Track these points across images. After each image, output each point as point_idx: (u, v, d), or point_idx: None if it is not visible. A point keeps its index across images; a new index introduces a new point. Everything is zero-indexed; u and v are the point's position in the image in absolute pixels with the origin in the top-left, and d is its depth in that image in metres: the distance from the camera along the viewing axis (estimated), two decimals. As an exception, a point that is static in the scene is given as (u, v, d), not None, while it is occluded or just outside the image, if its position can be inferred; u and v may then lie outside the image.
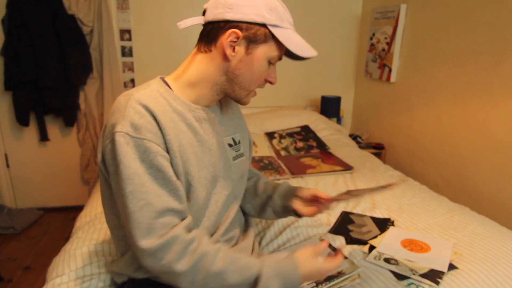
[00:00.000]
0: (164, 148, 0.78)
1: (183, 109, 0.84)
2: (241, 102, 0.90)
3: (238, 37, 0.80)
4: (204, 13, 0.85)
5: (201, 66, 0.85)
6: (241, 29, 0.80)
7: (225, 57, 0.82)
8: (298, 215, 1.05)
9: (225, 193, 0.94)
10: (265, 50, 0.83)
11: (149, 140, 0.76)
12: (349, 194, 0.97)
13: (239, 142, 1.00)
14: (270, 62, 0.86)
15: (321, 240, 0.91)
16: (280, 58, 0.87)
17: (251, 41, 0.81)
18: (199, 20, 0.84)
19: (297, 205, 1.02)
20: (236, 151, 0.98)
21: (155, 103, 0.79)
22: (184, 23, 0.84)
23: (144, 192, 0.74)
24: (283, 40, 0.81)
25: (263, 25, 0.81)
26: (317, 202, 1.00)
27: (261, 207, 1.10)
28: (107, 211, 0.91)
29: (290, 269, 0.81)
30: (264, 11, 0.80)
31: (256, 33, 0.81)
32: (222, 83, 0.86)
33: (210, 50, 0.83)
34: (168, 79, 0.88)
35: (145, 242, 0.73)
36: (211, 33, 0.82)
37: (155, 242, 0.73)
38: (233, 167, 0.96)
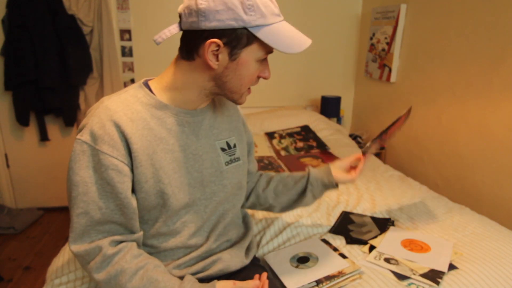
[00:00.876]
0: (124, 160, 0.77)
1: (163, 114, 0.82)
2: (236, 102, 0.86)
3: (219, 46, 0.75)
4: (180, 17, 0.79)
5: (185, 72, 0.81)
6: (220, 37, 0.74)
7: (209, 66, 0.78)
8: (336, 184, 1.10)
9: (216, 199, 0.92)
10: (250, 53, 0.78)
11: (104, 152, 0.75)
12: (380, 140, 0.99)
13: (234, 146, 0.96)
14: (260, 60, 0.81)
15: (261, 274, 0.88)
16: (269, 53, 0.82)
17: (234, 47, 0.76)
18: (175, 30, 0.79)
19: (339, 177, 1.08)
20: (230, 156, 0.94)
21: (125, 111, 0.78)
22: (160, 36, 0.79)
23: (85, 201, 0.76)
24: (267, 41, 0.75)
25: (244, 28, 0.74)
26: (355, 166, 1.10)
27: (298, 197, 1.11)
28: None
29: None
30: (241, 12, 0.72)
31: (237, 38, 0.75)
32: (210, 88, 0.83)
33: (193, 59, 0.79)
34: (152, 82, 0.86)
35: (74, 247, 0.77)
36: (189, 42, 0.78)
37: (80, 248, 0.77)
38: (225, 172, 0.92)
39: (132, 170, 0.79)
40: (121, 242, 0.80)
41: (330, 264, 1.05)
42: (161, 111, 0.82)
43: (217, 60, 0.77)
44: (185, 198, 0.85)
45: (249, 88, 0.85)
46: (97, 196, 0.76)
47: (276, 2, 0.80)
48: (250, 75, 0.81)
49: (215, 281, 0.82)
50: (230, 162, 0.94)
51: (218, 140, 0.92)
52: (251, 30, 0.74)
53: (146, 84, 0.85)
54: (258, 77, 0.84)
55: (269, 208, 1.15)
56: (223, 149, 0.93)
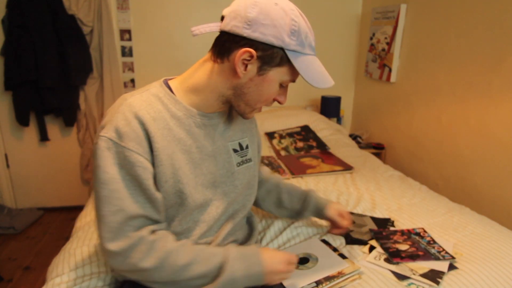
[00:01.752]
0: (148, 158, 0.78)
1: (183, 115, 0.83)
2: (244, 116, 0.87)
3: (252, 57, 0.76)
4: (222, 18, 0.80)
5: (209, 75, 0.82)
6: (256, 49, 0.75)
7: (236, 73, 0.78)
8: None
9: (227, 199, 0.93)
10: (278, 73, 0.79)
11: (130, 149, 0.75)
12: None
13: (246, 147, 0.98)
14: (282, 85, 0.83)
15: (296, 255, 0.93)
16: (293, 81, 0.84)
17: (265, 63, 0.77)
18: (215, 28, 0.80)
19: (330, 224, 1.21)
20: (241, 157, 0.96)
21: (148, 109, 0.79)
22: (199, 29, 0.80)
23: (118, 198, 0.76)
24: (299, 68, 0.77)
25: (281, 49, 0.76)
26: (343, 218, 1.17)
27: (289, 217, 1.26)
28: None
29: (254, 253, 0.85)
30: (285, 34, 0.75)
31: (271, 56, 0.76)
32: (228, 96, 0.83)
33: (222, 62, 0.80)
34: (173, 82, 0.87)
35: (113, 245, 0.76)
36: (225, 44, 0.78)
37: (122, 244, 0.76)
38: (236, 173, 0.94)
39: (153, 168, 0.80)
40: (157, 229, 0.83)
41: (330, 265, 1.05)
42: (180, 112, 0.83)
43: (245, 69, 0.78)
44: (200, 198, 0.87)
45: (260, 107, 0.87)
46: (128, 192, 0.76)
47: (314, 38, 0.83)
48: (270, 94, 0.83)
49: (256, 246, 0.89)
50: (241, 163, 0.95)
51: (231, 142, 0.94)
52: (287, 53, 0.77)
53: (166, 84, 0.86)
54: (274, 100, 0.86)
55: (256, 204, 1.24)
56: (235, 150, 0.94)
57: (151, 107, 0.80)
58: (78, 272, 1.04)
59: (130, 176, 0.76)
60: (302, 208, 1.19)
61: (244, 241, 1.03)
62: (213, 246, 0.86)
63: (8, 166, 2.62)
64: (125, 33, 2.55)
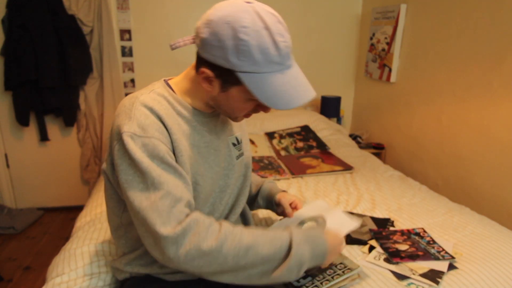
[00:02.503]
0: (170, 148, 0.79)
1: (187, 113, 0.85)
2: (232, 119, 0.88)
3: (209, 76, 0.76)
4: None
5: (193, 83, 0.85)
6: (212, 69, 0.75)
7: None
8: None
9: (229, 191, 0.95)
10: (240, 91, 0.76)
11: (157, 138, 0.76)
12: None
13: (241, 141, 1.01)
14: (252, 99, 0.78)
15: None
16: None
17: (225, 81, 0.76)
18: (189, 42, 0.81)
19: (282, 199, 1.12)
20: (238, 150, 0.99)
21: (159, 106, 0.80)
22: (175, 44, 0.81)
23: (162, 182, 0.73)
24: (253, 89, 0.73)
25: (233, 70, 0.73)
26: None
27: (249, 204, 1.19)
28: (109, 212, 0.93)
29: (318, 235, 0.84)
30: (232, 56, 0.71)
31: (227, 75, 0.74)
32: (212, 103, 0.85)
33: (198, 74, 0.80)
34: (171, 82, 0.88)
35: (167, 229, 0.71)
36: (196, 59, 0.80)
37: (176, 228, 0.71)
38: (236, 166, 0.97)
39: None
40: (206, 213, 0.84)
41: (339, 226, 1.04)
42: (184, 110, 0.84)
43: (210, 85, 0.79)
44: (209, 191, 0.88)
45: (248, 114, 0.86)
46: (168, 176, 0.75)
47: (288, 48, 0.74)
48: (241, 108, 0.82)
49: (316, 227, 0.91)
50: (238, 156, 0.99)
51: (230, 136, 0.97)
52: (238, 75, 0.73)
53: (167, 84, 0.87)
54: (256, 111, 0.85)
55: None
56: (234, 144, 0.97)
57: (160, 105, 0.81)
58: (78, 272, 1.04)
59: (164, 164, 0.75)
60: (257, 195, 1.17)
61: None
62: (273, 229, 0.84)
63: (8, 166, 2.62)
64: (125, 33, 2.55)
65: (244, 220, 1.10)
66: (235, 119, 0.88)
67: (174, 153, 0.79)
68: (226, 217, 0.97)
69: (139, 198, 0.74)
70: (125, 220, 0.90)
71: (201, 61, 0.77)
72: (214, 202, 0.92)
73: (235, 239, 0.75)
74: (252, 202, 1.18)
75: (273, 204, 1.13)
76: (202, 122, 0.87)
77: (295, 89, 0.75)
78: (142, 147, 0.75)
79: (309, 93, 0.77)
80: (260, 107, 0.83)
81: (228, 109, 0.83)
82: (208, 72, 0.75)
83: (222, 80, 0.76)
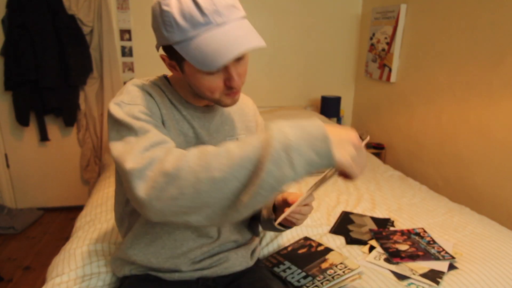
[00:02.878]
0: (160, 120, 0.79)
1: (180, 104, 0.85)
2: (220, 104, 0.82)
3: (167, 61, 0.79)
4: None
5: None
6: (166, 52, 0.77)
7: None
8: (285, 226, 0.97)
9: None
10: (190, 66, 0.73)
11: (144, 106, 0.76)
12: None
13: None
14: (209, 73, 0.73)
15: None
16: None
17: (176, 61, 0.76)
18: None
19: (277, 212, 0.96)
20: None
21: (151, 88, 0.82)
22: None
23: (145, 131, 0.70)
24: (187, 57, 0.70)
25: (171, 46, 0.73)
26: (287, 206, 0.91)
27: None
28: (115, 199, 0.96)
29: (310, 121, 0.61)
30: (163, 30, 0.71)
31: (173, 53, 0.74)
32: (196, 93, 0.83)
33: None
34: (170, 77, 0.90)
35: (133, 163, 0.65)
36: None
37: (143, 160, 0.65)
38: None
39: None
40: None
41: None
42: (176, 101, 0.85)
43: (176, 69, 0.79)
44: None
45: (232, 92, 0.78)
46: (150, 125, 0.72)
47: (214, 6, 0.69)
48: (206, 86, 0.75)
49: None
50: None
51: (229, 137, 0.93)
52: (175, 47, 0.71)
53: (165, 77, 0.89)
54: (227, 86, 0.76)
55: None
56: None
57: (154, 89, 0.83)
58: (78, 272, 1.04)
59: (150, 122, 0.73)
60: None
61: (245, 243, 1.01)
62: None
63: (8, 166, 2.62)
64: (125, 33, 2.55)
65: (252, 228, 1.06)
66: (220, 102, 0.79)
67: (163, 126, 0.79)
68: (222, 226, 0.93)
69: (119, 147, 0.70)
70: (128, 209, 0.91)
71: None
72: None
73: (201, 150, 0.64)
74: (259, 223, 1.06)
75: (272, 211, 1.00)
76: (195, 116, 0.86)
77: (228, 43, 0.68)
78: (127, 112, 0.74)
79: (245, 44, 0.68)
80: (227, 81, 0.75)
81: (199, 90, 0.78)
82: (164, 57, 0.77)
83: (175, 60, 0.76)
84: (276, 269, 1.06)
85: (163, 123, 0.80)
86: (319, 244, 1.16)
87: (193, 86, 0.80)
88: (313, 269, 1.03)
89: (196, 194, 0.60)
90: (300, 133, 0.58)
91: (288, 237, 1.24)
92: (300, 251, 1.13)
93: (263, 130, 1.04)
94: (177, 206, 0.61)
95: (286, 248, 1.17)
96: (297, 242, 1.19)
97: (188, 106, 0.86)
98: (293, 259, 1.09)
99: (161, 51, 0.81)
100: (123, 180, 0.68)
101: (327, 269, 1.02)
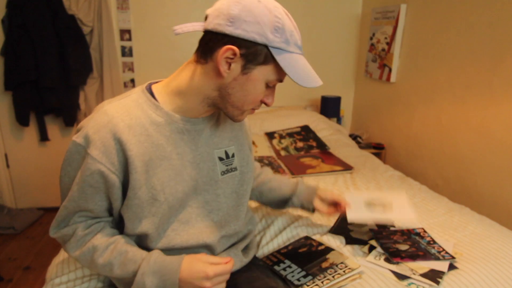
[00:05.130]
0: (112, 168, 0.77)
1: (163, 121, 0.81)
2: (234, 119, 0.84)
3: (235, 55, 0.74)
4: (206, 18, 0.78)
5: (192, 76, 0.80)
6: (239, 46, 0.73)
7: (219, 73, 0.76)
8: (313, 210, 1.22)
9: (208, 208, 0.90)
10: (263, 72, 0.77)
11: (93, 157, 0.76)
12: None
13: (232, 156, 0.94)
14: (268, 85, 0.80)
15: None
16: (280, 81, 0.81)
17: (249, 61, 0.75)
18: (199, 27, 0.78)
19: (319, 205, 1.19)
20: (226, 166, 0.92)
21: (124, 117, 0.78)
22: (181, 28, 0.77)
23: (69, 199, 0.81)
24: (284, 66, 0.75)
25: (265, 46, 0.74)
26: (337, 206, 1.18)
27: (277, 206, 1.26)
28: None
29: (171, 268, 0.79)
30: (268, 31, 0.73)
31: (255, 53, 0.74)
32: (214, 98, 0.81)
33: (206, 62, 0.78)
34: (156, 86, 0.85)
35: (52, 232, 0.85)
36: (208, 43, 0.76)
37: (59, 234, 0.85)
38: (220, 182, 0.91)
39: (125, 178, 0.80)
40: (94, 223, 0.86)
41: (398, 213, 1.11)
42: (161, 118, 0.81)
43: (229, 68, 0.76)
44: (178, 205, 0.85)
45: (253, 109, 0.84)
46: (81, 194, 0.80)
47: (300, 38, 0.81)
48: (256, 95, 0.80)
49: (183, 255, 0.84)
50: (226, 172, 0.92)
51: (217, 149, 0.90)
52: (271, 50, 0.74)
53: (149, 89, 0.84)
54: (261, 102, 0.83)
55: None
56: (220, 159, 0.91)
57: (127, 114, 0.78)
58: (78, 273, 1.04)
59: (85, 183, 0.79)
60: (292, 194, 1.21)
61: (237, 242, 1.01)
62: (138, 249, 0.83)
63: (8, 166, 2.62)
64: (125, 33, 2.55)
65: (249, 225, 1.06)
66: (241, 115, 0.83)
67: (125, 171, 0.79)
68: (214, 235, 0.91)
69: (61, 194, 0.86)
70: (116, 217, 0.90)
71: (220, 41, 0.74)
72: (190, 218, 0.87)
73: (96, 255, 0.82)
74: (284, 201, 1.23)
75: (311, 206, 1.21)
76: (181, 129, 0.83)
77: (312, 71, 0.80)
78: (79, 160, 0.79)
79: (319, 79, 0.81)
80: (266, 97, 0.83)
81: (240, 97, 0.79)
82: (234, 48, 0.73)
83: (247, 60, 0.75)
84: (276, 267, 1.06)
85: (125, 166, 0.79)
86: (320, 244, 1.16)
87: (235, 93, 0.78)
88: (314, 268, 1.03)
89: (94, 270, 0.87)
90: (157, 282, 0.79)
91: (288, 236, 1.24)
92: (300, 250, 1.13)
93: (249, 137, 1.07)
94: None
95: (286, 247, 1.17)
96: (297, 241, 1.20)
97: (176, 119, 0.82)
98: (293, 257, 1.09)
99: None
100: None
101: (327, 268, 1.02)
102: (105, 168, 0.76)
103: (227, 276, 0.82)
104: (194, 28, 0.78)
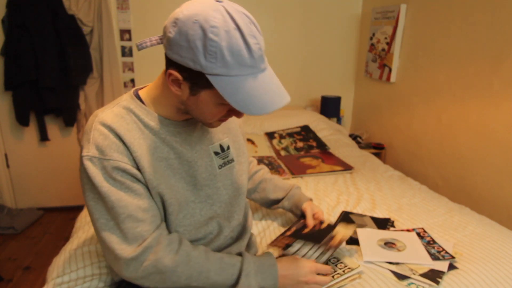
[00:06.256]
0: (133, 165, 0.78)
1: (155, 125, 0.82)
2: (209, 126, 0.83)
3: (178, 79, 0.72)
4: None
5: (163, 88, 0.81)
6: (180, 71, 0.70)
7: None
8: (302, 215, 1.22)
9: (210, 201, 0.92)
10: (210, 95, 0.72)
11: (115, 159, 0.75)
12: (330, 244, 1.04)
13: (228, 148, 0.96)
14: (224, 103, 0.74)
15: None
16: None
17: (194, 84, 0.71)
18: (156, 42, 0.77)
19: (307, 208, 1.19)
20: (223, 159, 0.94)
21: (120, 123, 0.78)
22: (141, 44, 0.77)
23: (122, 206, 0.76)
24: (224, 94, 0.68)
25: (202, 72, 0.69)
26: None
27: (267, 205, 1.30)
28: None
29: (270, 265, 0.87)
30: (201, 56, 0.66)
31: (196, 78, 0.70)
32: (184, 109, 0.81)
33: (167, 76, 0.76)
34: (142, 92, 0.85)
35: (127, 251, 0.76)
36: (165, 60, 0.75)
37: (137, 249, 0.77)
38: (218, 175, 0.92)
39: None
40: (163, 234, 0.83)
41: (415, 256, 1.10)
42: (153, 122, 0.82)
43: (180, 88, 0.74)
44: (182, 202, 0.86)
45: (227, 118, 0.82)
46: (129, 197, 0.77)
47: (261, 51, 0.71)
48: (212, 113, 0.77)
49: (273, 258, 0.90)
50: (223, 165, 0.94)
51: (211, 145, 0.92)
52: (208, 77, 0.68)
53: (137, 95, 0.84)
54: (232, 115, 0.80)
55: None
56: (216, 153, 0.93)
57: (123, 120, 0.79)
58: (79, 272, 1.04)
59: (124, 185, 0.77)
60: (282, 198, 1.26)
61: (239, 237, 1.02)
62: (230, 255, 0.87)
63: (8, 166, 2.62)
64: (125, 33, 2.55)
65: (243, 226, 1.07)
66: (209, 125, 0.82)
67: (139, 170, 0.79)
68: (220, 228, 0.94)
69: (100, 222, 0.78)
70: None
71: (169, 63, 0.72)
72: (193, 213, 0.89)
73: (190, 262, 0.80)
74: (275, 203, 1.27)
75: (299, 211, 1.22)
76: (173, 132, 0.84)
77: (268, 93, 0.71)
78: (101, 170, 0.75)
79: (283, 98, 0.73)
80: (233, 112, 0.78)
81: (199, 114, 0.77)
82: (176, 74, 0.71)
83: (191, 83, 0.72)
84: (291, 249, 1.04)
85: (137, 165, 0.78)
86: (321, 222, 1.17)
87: (193, 110, 0.77)
88: (328, 243, 1.04)
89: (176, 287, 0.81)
90: (260, 280, 0.84)
91: (282, 221, 1.28)
92: (304, 231, 1.13)
93: (244, 136, 1.07)
94: (153, 286, 0.81)
95: (289, 229, 1.16)
96: (298, 222, 1.19)
97: (166, 123, 0.83)
98: (303, 237, 1.09)
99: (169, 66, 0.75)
100: (105, 253, 0.81)
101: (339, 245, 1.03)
102: (129, 167, 0.77)
103: (328, 280, 0.92)
104: (152, 43, 0.77)
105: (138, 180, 0.79)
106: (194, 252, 0.82)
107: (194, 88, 0.72)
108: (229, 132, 0.98)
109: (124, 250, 0.76)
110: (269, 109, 0.70)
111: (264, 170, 1.31)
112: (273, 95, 0.71)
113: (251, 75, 0.70)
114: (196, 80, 0.70)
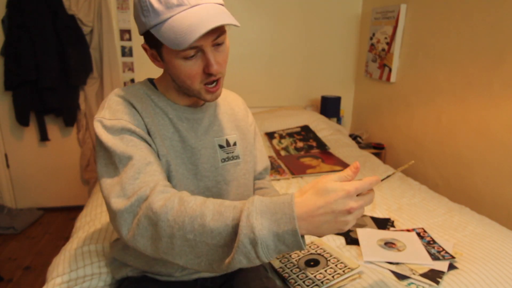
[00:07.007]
0: (144, 129, 0.79)
1: (165, 106, 0.85)
2: (202, 99, 0.82)
3: (149, 51, 0.80)
4: None
5: (164, 72, 0.87)
6: (145, 42, 0.79)
7: None
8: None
9: (208, 194, 0.91)
10: (168, 52, 0.75)
11: (126, 120, 0.77)
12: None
13: (234, 144, 0.95)
14: (187, 58, 0.74)
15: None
16: (193, 48, 0.73)
17: (156, 49, 0.78)
18: None
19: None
20: (227, 153, 0.93)
21: (134, 94, 0.83)
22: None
23: (127, 157, 0.72)
24: (162, 39, 0.71)
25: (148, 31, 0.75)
26: None
27: None
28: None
29: (283, 202, 0.60)
30: (141, 16, 0.73)
31: (152, 40, 0.76)
32: (178, 87, 0.83)
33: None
34: (156, 80, 0.90)
35: (124, 202, 0.68)
36: None
37: (131, 198, 0.68)
38: (220, 169, 0.91)
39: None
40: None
41: (414, 256, 1.09)
42: (162, 103, 0.85)
43: (157, 60, 0.81)
44: (181, 186, 0.86)
45: (207, 84, 0.78)
46: (135, 149, 0.74)
47: None
48: (187, 72, 0.76)
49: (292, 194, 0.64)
50: (227, 159, 0.93)
51: (217, 137, 0.92)
52: (151, 31, 0.73)
53: (151, 81, 0.89)
54: (206, 73, 0.77)
55: None
56: (221, 146, 0.93)
57: (137, 95, 0.83)
58: (79, 272, 1.04)
59: (133, 142, 0.76)
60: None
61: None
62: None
63: (8, 166, 2.62)
64: (125, 33, 2.55)
65: None
66: (200, 94, 0.80)
67: (149, 134, 0.80)
68: None
69: (104, 184, 0.73)
70: None
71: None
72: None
73: (183, 206, 0.64)
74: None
75: None
76: (180, 117, 0.86)
77: (200, 20, 0.69)
78: (109, 129, 0.76)
79: (218, 20, 0.69)
80: (205, 68, 0.76)
81: (180, 81, 0.79)
82: (145, 46, 0.78)
83: (155, 49, 0.78)
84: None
85: (148, 131, 0.80)
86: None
87: (173, 76, 0.80)
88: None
89: (171, 245, 0.64)
90: (268, 224, 0.58)
91: None
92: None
93: (256, 133, 1.06)
94: (156, 246, 0.66)
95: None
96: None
97: (175, 107, 0.86)
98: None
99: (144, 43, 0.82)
100: (109, 217, 0.73)
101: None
102: (139, 129, 0.77)
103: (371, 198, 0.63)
104: None
105: (146, 141, 0.78)
106: (189, 198, 0.66)
107: (159, 53, 0.78)
108: (238, 129, 0.98)
109: (120, 203, 0.68)
110: (192, 36, 0.67)
111: (269, 190, 1.12)
112: (203, 21, 0.69)
113: (182, 13, 0.71)
114: (152, 42, 0.76)
